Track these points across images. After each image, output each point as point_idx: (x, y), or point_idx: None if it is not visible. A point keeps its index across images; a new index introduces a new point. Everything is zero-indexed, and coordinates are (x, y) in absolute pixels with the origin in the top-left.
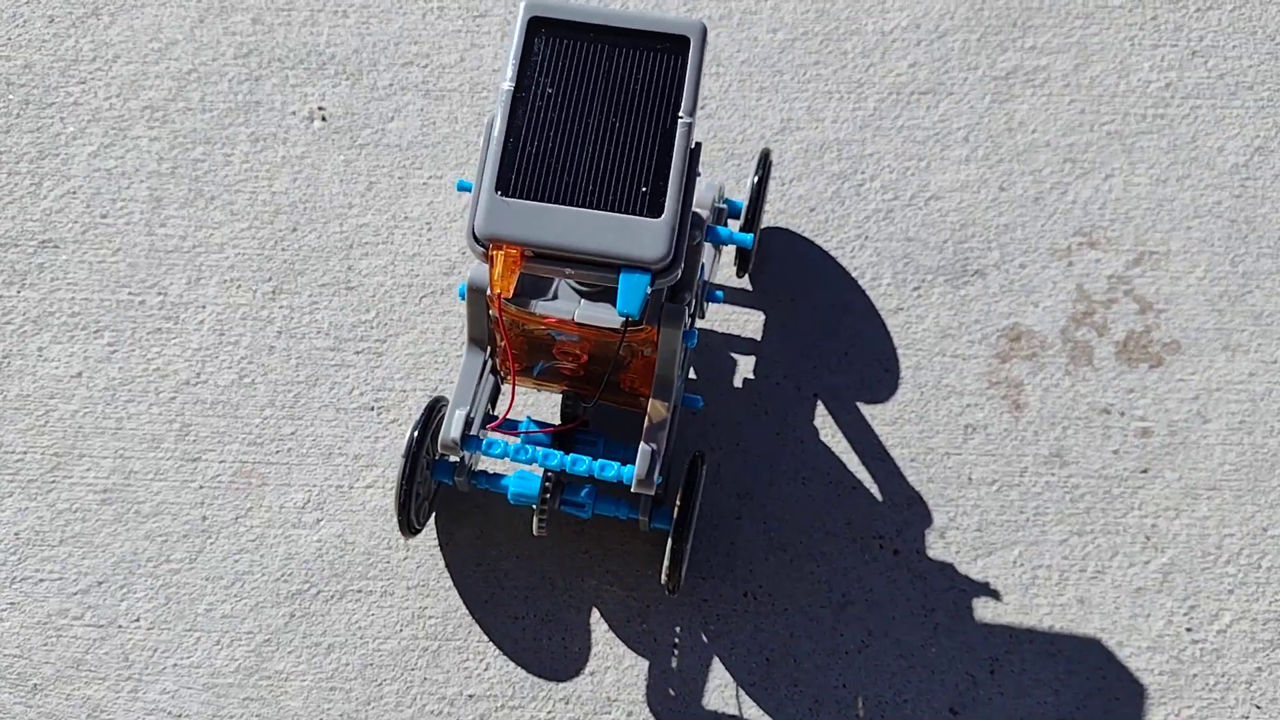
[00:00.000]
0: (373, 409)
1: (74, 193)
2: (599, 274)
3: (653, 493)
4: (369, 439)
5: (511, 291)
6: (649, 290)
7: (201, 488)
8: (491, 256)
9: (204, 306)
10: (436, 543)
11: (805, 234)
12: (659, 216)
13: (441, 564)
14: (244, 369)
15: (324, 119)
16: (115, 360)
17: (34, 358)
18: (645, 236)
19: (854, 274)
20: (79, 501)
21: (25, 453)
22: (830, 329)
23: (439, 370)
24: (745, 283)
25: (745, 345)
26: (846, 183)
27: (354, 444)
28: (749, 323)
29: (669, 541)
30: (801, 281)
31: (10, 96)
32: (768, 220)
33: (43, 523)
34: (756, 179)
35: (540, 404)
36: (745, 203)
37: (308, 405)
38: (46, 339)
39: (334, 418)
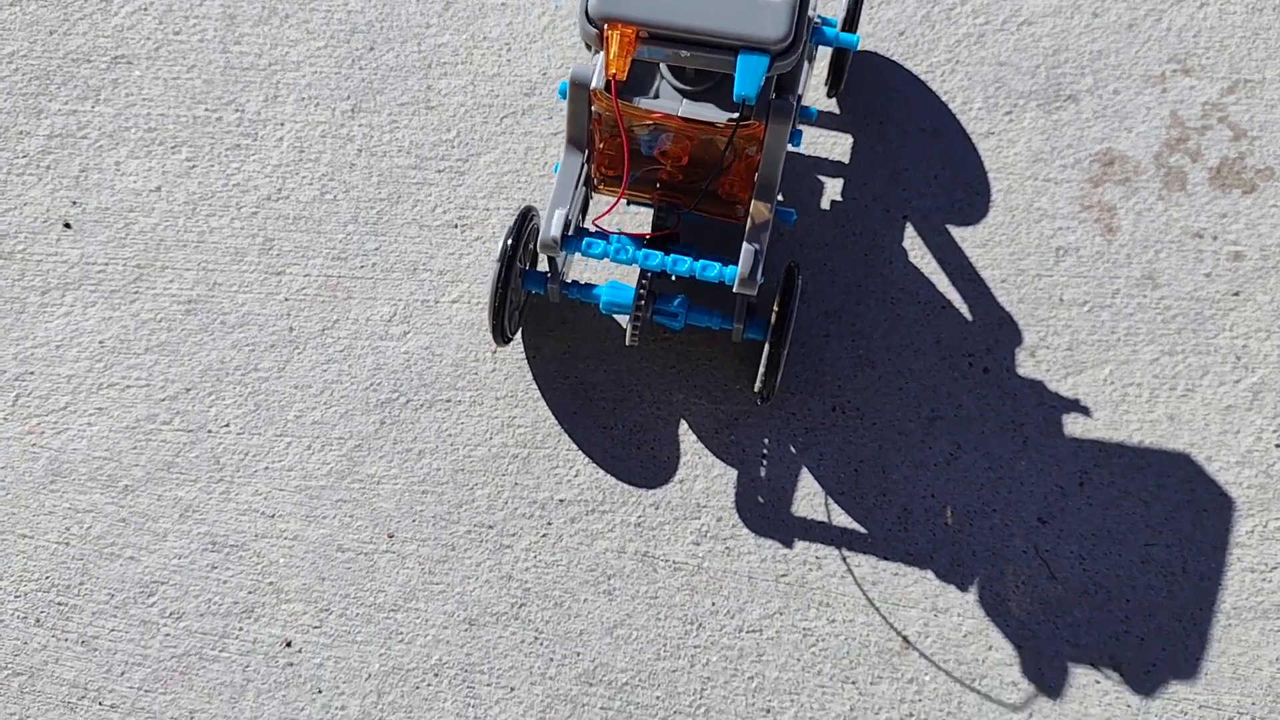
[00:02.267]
0: (456, 226)
1: (145, 9)
2: (717, 56)
3: (754, 293)
4: (453, 255)
5: (626, 74)
6: (767, 74)
7: (287, 300)
8: (606, 37)
9: (282, 124)
10: (524, 356)
11: (895, 58)
12: None
13: (529, 376)
14: (325, 185)
15: None
16: (194, 175)
17: (111, 171)
18: (765, 15)
19: (944, 98)
20: (163, 311)
21: (107, 264)
22: (920, 153)
23: (522, 190)
24: (834, 106)
25: (833, 168)
26: (936, 6)
27: (439, 260)
28: (837, 145)
29: (765, 348)
30: (890, 106)
31: None
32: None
33: (127, 331)
34: None
35: (626, 222)
36: (842, 13)
37: (391, 222)
38: (124, 153)
39: (418, 234)
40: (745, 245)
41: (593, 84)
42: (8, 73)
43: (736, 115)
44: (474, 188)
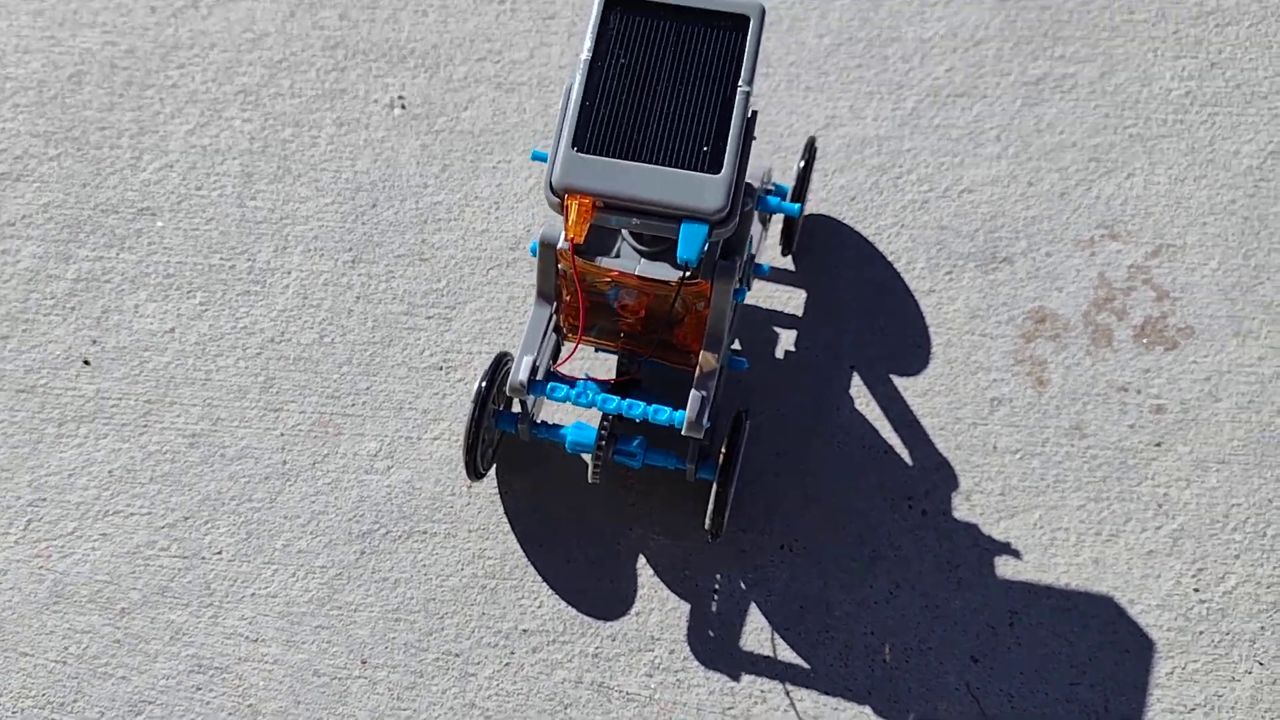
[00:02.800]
0: (441, 368)
1: (171, 166)
2: (662, 224)
3: (701, 435)
4: (437, 395)
5: (584, 238)
6: (707, 240)
7: (282, 435)
8: (567, 205)
9: (289, 272)
10: (496, 491)
11: (846, 221)
12: (718, 172)
13: (500, 510)
14: (324, 329)
15: (403, 107)
16: (206, 318)
17: (130, 313)
18: (705, 190)
19: (890, 258)
20: (169, 444)
21: (120, 399)
22: (867, 307)
23: (503, 335)
24: (789, 263)
25: (787, 320)
26: (885, 175)
27: (423, 399)
28: (791, 299)
29: (714, 487)
30: (840, 264)
31: (115, 78)
32: (811, 208)
33: (134, 462)
34: (803, 163)
35: (596, 367)
36: (792, 184)
37: (382, 363)
38: (143, 296)
39: (406, 375)
40: (693, 391)
41: (559, 244)
42: (43, 221)
43: (685, 275)
44: (460, 333)
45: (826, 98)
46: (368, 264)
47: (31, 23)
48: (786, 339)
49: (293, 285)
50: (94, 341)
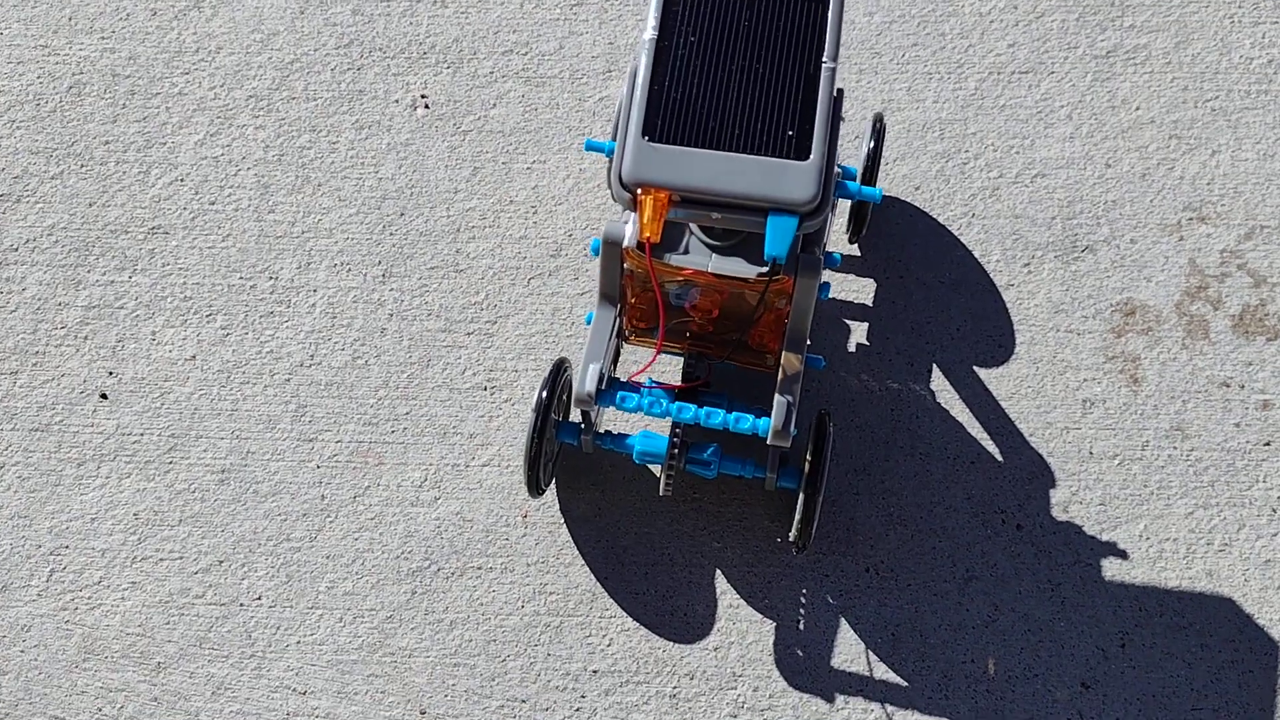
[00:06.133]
0: (486, 388)
1: (182, 180)
2: (747, 218)
3: (788, 444)
4: (483, 418)
5: (660, 236)
6: (796, 233)
7: (319, 467)
8: (640, 201)
9: (315, 290)
10: (554, 520)
11: (915, 203)
12: (806, 159)
13: (560, 540)
14: (357, 351)
15: (427, 107)
16: (229, 343)
17: (148, 341)
18: (794, 179)
19: (963, 250)
20: (197, 482)
21: (142, 434)
22: (941, 305)
23: (549, 350)
24: (854, 250)
25: (856, 311)
26: (950, 161)
27: (469, 423)
28: (861, 291)
29: (800, 497)
30: (910, 257)
31: (116, 88)
32: None
33: (161, 503)
34: (873, 142)
35: (656, 369)
36: (860, 166)
37: (421, 385)
38: (160, 322)
39: (448, 397)
40: (778, 398)
41: (625, 242)
42: (48, 245)
43: (765, 269)
44: (503, 349)
45: (881, 80)
46: (399, 278)
47: (24, 31)
48: (858, 333)
49: (320, 304)
50: (110, 373)
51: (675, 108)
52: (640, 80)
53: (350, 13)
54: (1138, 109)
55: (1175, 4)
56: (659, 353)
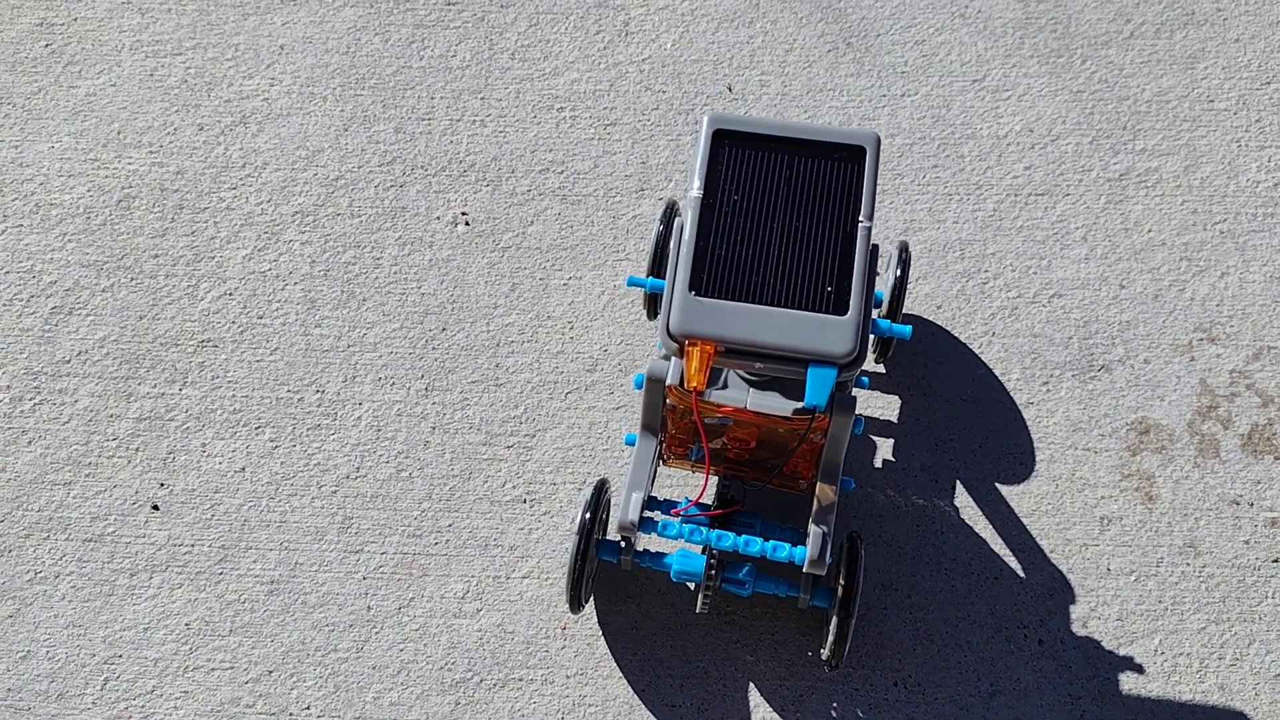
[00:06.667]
0: (525, 501)
1: (230, 294)
2: (788, 367)
3: (823, 572)
4: (523, 530)
5: (705, 385)
6: (835, 380)
7: (365, 578)
8: (687, 352)
9: (360, 403)
10: (593, 632)
11: (936, 322)
12: (845, 314)
13: (598, 653)
14: (401, 463)
15: (467, 224)
16: (277, 455)
17: (198, 453)
18: (833, 333)
19: (984, 368)
20: (247, 592)
21: (193, 545)
22: (964, 421)
23: (586, 464)
24: (878, 366)
25: (881, 427)
26: (971, 281)
27: (509, 535)
28: (886, 407)
29: (834, 618)
30: (932, 374)
31: (165, 201)
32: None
33: (212, 613)
34: (900, 271)
35: (686, 486)
36: (886, 294)
37: (463, 498)
38: (210, 435)
39: (489, 510)
40: (813, 528)
41: (668, 380)
42: (99, 357)
43: (802, 406)
44: (541, 463)
45: (904, 200)
46: (441, 391)
47: (74, 145)
48: (883, 449)
49: (365, 417)
50: (162, 484)
51: (720, 264)
52: (687, 237)
53: (393, 131)
54: (1149, 231)
55: (1184, 128)
56: (702, 494)
